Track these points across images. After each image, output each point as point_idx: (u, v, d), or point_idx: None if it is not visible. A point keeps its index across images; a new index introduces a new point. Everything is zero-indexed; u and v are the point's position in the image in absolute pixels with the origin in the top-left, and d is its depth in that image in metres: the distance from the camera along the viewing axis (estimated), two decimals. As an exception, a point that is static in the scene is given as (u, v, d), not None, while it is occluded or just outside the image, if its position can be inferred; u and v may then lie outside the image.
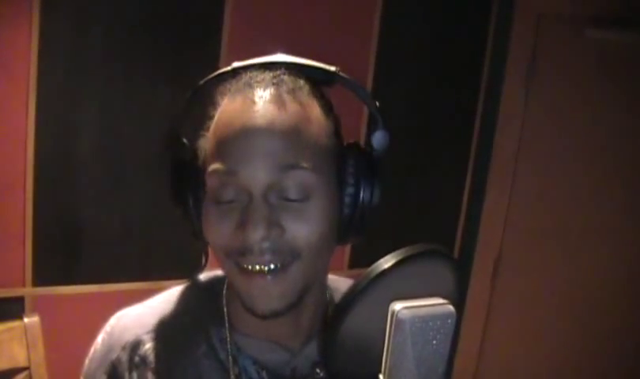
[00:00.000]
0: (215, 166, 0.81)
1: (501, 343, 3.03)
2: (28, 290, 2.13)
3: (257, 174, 0.78)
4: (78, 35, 2.08)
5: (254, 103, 0.81)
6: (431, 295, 0.61)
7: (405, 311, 0.58)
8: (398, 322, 0.58)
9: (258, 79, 0.83)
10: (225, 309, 0.92)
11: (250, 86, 0.83)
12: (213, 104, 0.86)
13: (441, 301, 0.60)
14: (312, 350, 0.92)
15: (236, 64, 0.87)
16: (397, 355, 0.59)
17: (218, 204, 0.82)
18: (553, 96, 2.84)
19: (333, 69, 0.87)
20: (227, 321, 0.91)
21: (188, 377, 0.88)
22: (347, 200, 0.85)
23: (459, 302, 0.69)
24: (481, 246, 2.99)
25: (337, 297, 0.97)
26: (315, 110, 0.84)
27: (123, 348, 0.89)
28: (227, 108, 0.83)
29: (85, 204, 2.19)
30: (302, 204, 0.80)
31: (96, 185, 2.20)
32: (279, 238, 0.79)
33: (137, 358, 0.88)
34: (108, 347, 0.91)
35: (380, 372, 0.61)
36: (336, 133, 0.87)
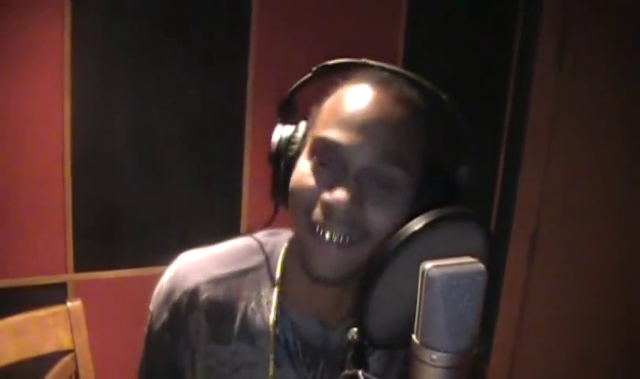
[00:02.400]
0: (324, 133, 0.88)
1: (539, 318, 3.00)
2: (70, 276, 2.19)
3: (360, 155, 0.85)
4: (110, 28, 2.12)
5: (376, 92, 0.89)
6: (461, 255, 0.62)
7: (435, 270, 0.58)
8: (429, 281, 0.58)
9: (383, 76, 0.92)
10: (279, 272, 1.00)
11: (374, 79, 0.91)
12: (334, 84, 0.94)
13: (470, 259, 0.60)
14: (347, 327, 0.94)
15: (366, 60, 0.94)
16: (429, 314, 0.59)
17: (314, 165, 0.88)
18: (586, 67, 2.78)
19: (445, 97, 0.92)
20: (277, 284, 0.99)
21: (236, 327, 0.98)
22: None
23: (488, 263, 0.70)
24: (517, 223, 2.96)
25: None
26: (421, 123, 0.92)
27: (185, 292, 1.00)
28: (350, 89, 0.91)
29: (122, 191, 2.24)
30: (388, 195, 0.86)
31: (132, 171, 2.24)
32: (358, 216, 0.85)
33: (196, 302, 0.99)
34: (172, 288, 1.02)
35: (413, 332, 0.61)
36: (430, 150, 0.93)
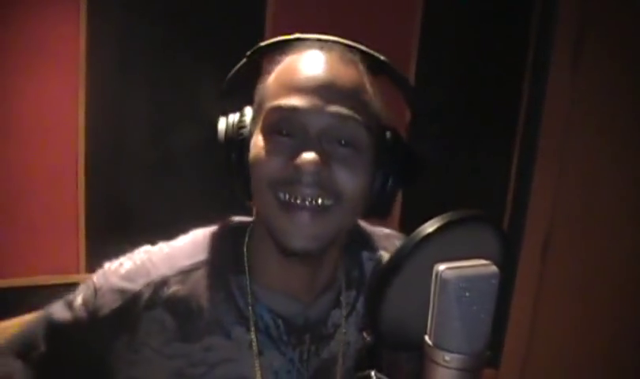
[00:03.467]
0: (278, 102, 0.85)
1: (551, 324, 2.98)
2: (83, 276, 2.18)
3: (318, 117, 0.84)
4: (125, 26, 2.12)
5: (322, 57, 0.88)
6: (475, 258, 0.61)
7: (449, 271, 0.58)
8: (442, 282, 0.58)
9: (322, 44, 0.90)
10: (246, 259, 0.97)
11: (316, 46, 0.90)
12: (273, 62, 0.92)
13: (484, 262, 0.60)
14: (324, 301, 0.98)
15: (298, 35, 0.93)
16: (442, 316, 0.59)
17: (272, 136, 0.85)
18: (602, 69, 2.76)
19: (382, 58, 0.94)
20: (246, 271, 0.96)
21: (205, 321, 0.92)
22: (377, 178, 0.92)
23: (504, 266, 0.70)
24: (530, 226, 2.94)
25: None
26: (370, 84, 0.91)
27: (147, 285, 0.92)
28: (295, 59, 0.89)
29: (136, 191, 2.23)
30: (352, 154, 0.86)
31: (146, 171, 2.24)
32: (327, 178, 0.83)
33: (157, 299, 0.91)
34: (133, 276, 0.94)
35: (426, 333, 0.61)
36: (382, 111, 0.93)
